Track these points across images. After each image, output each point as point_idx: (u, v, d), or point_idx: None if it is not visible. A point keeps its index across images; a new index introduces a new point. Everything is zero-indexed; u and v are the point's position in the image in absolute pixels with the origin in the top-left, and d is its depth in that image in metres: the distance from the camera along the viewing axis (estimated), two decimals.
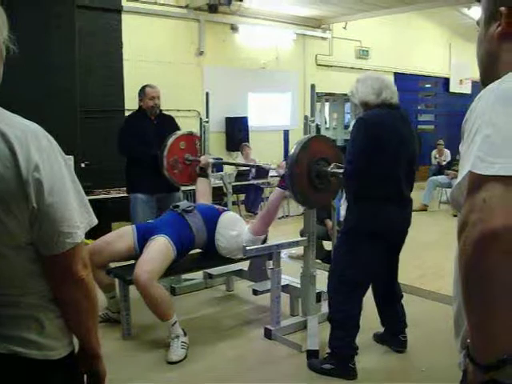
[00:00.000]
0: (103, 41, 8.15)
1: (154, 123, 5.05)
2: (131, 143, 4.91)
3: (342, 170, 3.33)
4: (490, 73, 1.25)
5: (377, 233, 3.16)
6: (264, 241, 4.14)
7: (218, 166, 4.97)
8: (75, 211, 1.28)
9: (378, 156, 3.06)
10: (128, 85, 8.18)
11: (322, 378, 3.26)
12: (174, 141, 4.74)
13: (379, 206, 3.14)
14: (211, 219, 4.03)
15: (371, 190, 3.12)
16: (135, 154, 4.94)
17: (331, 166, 3.44)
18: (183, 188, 5.28)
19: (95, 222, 1.36)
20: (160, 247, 3.65)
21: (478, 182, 1.05)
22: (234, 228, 4.00)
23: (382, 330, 3.69)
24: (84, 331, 1.42)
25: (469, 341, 1.14)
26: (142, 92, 5.05)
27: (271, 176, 8.21)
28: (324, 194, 3.60)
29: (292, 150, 3.42)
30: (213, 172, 5.08)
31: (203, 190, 4.63)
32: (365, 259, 3.20)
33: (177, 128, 5.10)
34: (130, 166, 5.09)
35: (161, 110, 5.17)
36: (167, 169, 4.71)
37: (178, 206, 4.05)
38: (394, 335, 3.58)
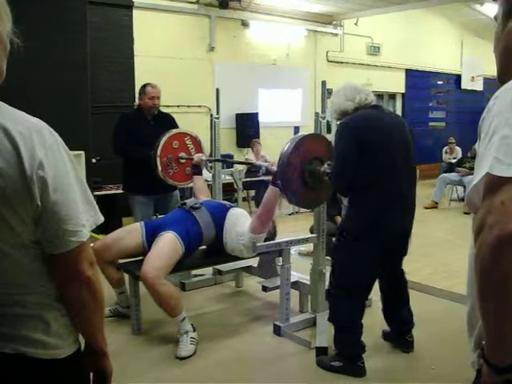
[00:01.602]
0: (114, 36, 8.17)
1: (150, 123, 4.99)
2: (126, 145, 4.87)
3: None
4: (507, 69, 1.23)
5: (377, 236, 3.09)
6: (273, 237, 4.13)
7: (210, 162, 4.90)
8: (80, 209, 1.26)
9: (367, 157, 3.02)
10: (139, 80, 8.17)
11: (331, 375, 3.25)
12: (167, 140, 4.68)
13: (379, 207, 3.07)
14: (219, 215, 4.02)
15: (367, 192, 3.07)
16: (130, 157, 4.93)
17: (324, 166, 3.36)
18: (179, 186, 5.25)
19: (101, 219, 1.34)
20: (168, 243, 3.65)
21: (495, 183, 1.03)
22: (240, 226, 3.98)
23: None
24: (90, 330, 1.40)
25: (484, 342, 1.13)
26: (143, 90, 5.01)
27: (263, 174, 8.11)
28: (318, 193, 3.53)
29: (284, 148, 3.31)
30: (211, 168, 5.04)
31: (201, 187, 4.63)
32: (364, 265, 3.15)
33: (174, 127, 5.00)
34: (126, 166, 5.07)
35: (159, 110, 5.11)
36: (161, 169, 4.66)
37: (185, 203, 4.06)
38: (400, 336, 3.54)
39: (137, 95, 8.03)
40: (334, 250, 3.37)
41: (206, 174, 5.61)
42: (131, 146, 4.83)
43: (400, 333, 3.54)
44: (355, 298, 3.24)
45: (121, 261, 3.94)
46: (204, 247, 4.14)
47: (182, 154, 4.78)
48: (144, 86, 5.03)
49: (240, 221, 4.03)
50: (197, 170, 4.64)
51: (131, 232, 3.91)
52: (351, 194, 3.22)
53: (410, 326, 3.53)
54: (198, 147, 4.89)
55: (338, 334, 3.29)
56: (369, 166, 3.03)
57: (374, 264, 3.21)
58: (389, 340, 3.63)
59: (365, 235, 3.10)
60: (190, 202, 4.09)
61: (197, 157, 4.63)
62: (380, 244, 3.12)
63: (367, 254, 3.12)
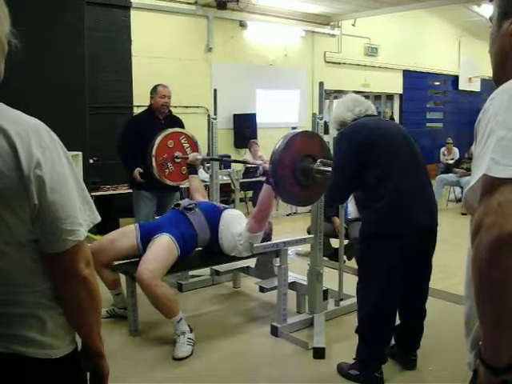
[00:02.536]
0: (112, 37, 8.17)
1: (161, 123, 5.09)
2: (127, 153, 5.10)
3: (327, 168, 3.31)
4: (502, 70, 1.24)
5: (396, 233, 2.95)
6: (268, 238, 4.13)
7: (208, 162, 4.94)
8: (78, 208, 1.26)
9: (370, 160, 3.00)
10: (137, 81, 8.21)
11: (328, 376, 3.24)
12: (162, 139, 4.69)
13: (390, 206, 2.95)
14: (213, 217, 4.02)
15: (376, 193, 2.99)
16: (126, 165, 5.17)
17: (317, 163, 3.36)
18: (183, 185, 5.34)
19: (98, 219, 1.34)
20: (163, 246, 3.64)
21: (492, 184, 1.03)
22: (236, 226, 3.99)
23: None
24: (87, 330, 1.40)
25: (481, 343, 1.14)
26: (154, 90, 5.16)
27: (260, 175, 8.08)
28: (310, 191, 3.52)
29: (276, 146, 3.31)
30: (209, 169, 5.05)
31: (196, 186, 4.63)
32: (388, 263, 2.99)
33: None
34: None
35: (170, 111, 5.22)
36: (157, 170, 4.68)
37: (179, 205, 4.05)
38: (404, 352, 3.38)
39: (135, 96, 8.14)
40: (359, 257, 3.24)
41: (204, 175, 5.61)
42: (130, 154, 5.05)
43: (404, 348, 3.38)
44: (386, 306, 3.10)
45: (116, 262, 3.94)
46: (200, 249, 4.13)
47: (178, 154, 4.78)
48: (155, 86, 5.20)
49: (236, 221, 4.03)
50: (192, 169, 4.64)
51: (126, 234, 3.91)
52: (360, 199, 3.19)
53: (416, 345, 3.37)
54: (194, 146, 4.90)
55: (362, 344, 3.16)
56: (372, 168, 3.00)
57: (398, 263, 3.00)
58: (391, 356, 3.38)
59: (384, 234, 2.98)
60: (183, 202, 4.09)
61: (192, 156, 4.63)
62: (402, 240, 2.95)
63: (389, 252, 2.96)
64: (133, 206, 5.31)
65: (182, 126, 5.19)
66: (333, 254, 5.43)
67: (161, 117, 5.15)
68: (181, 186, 5.48)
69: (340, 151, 3.15)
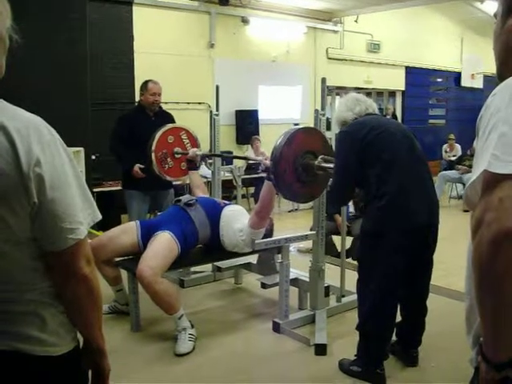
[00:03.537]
0: (114, 33, 8.18)
1: (151, 119, 5.06)
2: (120, 149, 5.09)
3: (329, 165, 3.30)
4: (506, 66, 1.23)
5: (396, 231, 2.94)
6: (270, 234, 4.13)
7: (207, 157, 4.91)
8: (78, 207, 1.25)
9: (371, 157, 3.00)
10: (138, 77, 8.18)
11: (329, 373, 3.24)
12: (162, 135, 4.65)
13: (392, 202, 2.94)
14: (214, 213, 4.02)
15: (378, 189, 2.97)
16: (121, 161, 5.19)
17: (318, 160, 3.35)
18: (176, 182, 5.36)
19: (99, 217, 1.33)
20: (163, 243, 3.64)
21: (493, 180, 1.03)
22: (238, 222, 3.98)
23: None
24: (88, 327, 1.40)
25: (482, 339, 1.14)
26: (144, 87, 5.10)
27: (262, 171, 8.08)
28: (311, 187, 3.51)
29: (277, 142, 3.29)
30: (211, 165, 5.04)
31: (196, 182, 4.62)
32: (386, 264, 2.98)
33: None
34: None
35: (160, 107, 5.19)
36: (156, 164, 4.65)
37: (180, 200, 4.05)
38: (405, 349, 3.37)
39: (137, 92, 8.11)
40: (360, 255, 3.25)
41: (206, 171, 5.61)
42: (125, 152, 5.04)
43: (406, 345, 3.38)
44: (388, 302, 3.09)
45: (118, 259, 3.94)
46: (201, 246, 4.13)
47: (177, 149, 4.75)
48: (146, 82, 5.12)
49: (237, 218, 4.02)
50: (192, 165, 4.62)
51: (127, 231, 3.90)
52: (361, 197, 3.20)
53: (418, 342, 3.36)
54: (194, 142, 4.88)
55: (363, 342, 3.15)
56: (373, 166, 2.99)
57: (398, 260, 2.99)
58: (393, 352, 3.37)
59: (385, 232, 2.97)
60: (184, 198, 4.08)
61: (192, 152, 4.60)
62: (403, 238, 2.94)
63: (390, 250, 2.95)
64: (126, 205, 5.32)
65: (173, 121, 5.13)
66: (337, 256, 5.41)
67: (151, 113, 5.11)
68: (176, 183, 5.48)
69: (341, 150, 3.14)
